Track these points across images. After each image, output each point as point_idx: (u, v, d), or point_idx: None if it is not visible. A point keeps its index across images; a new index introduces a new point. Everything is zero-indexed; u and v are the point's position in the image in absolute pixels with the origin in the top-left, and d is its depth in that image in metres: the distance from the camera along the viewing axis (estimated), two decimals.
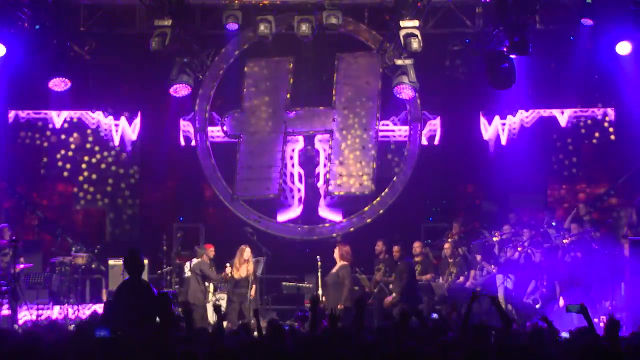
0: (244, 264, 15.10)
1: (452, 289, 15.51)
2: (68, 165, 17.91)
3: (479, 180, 17.98)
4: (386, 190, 17.78)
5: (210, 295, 15.36)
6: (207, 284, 15.25)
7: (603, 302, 15.03)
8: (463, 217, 17.43)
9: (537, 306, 14.81)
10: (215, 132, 17.88)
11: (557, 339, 8.36)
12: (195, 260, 15.49)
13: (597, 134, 17.83)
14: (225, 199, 17.81)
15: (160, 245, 17.17)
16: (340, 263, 14.81)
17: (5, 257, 15.21)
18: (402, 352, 6.99)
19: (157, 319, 8.91)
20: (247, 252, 15.21)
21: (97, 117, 17.77)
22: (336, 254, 14.89)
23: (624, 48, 15.86)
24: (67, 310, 15.38)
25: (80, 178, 17.93)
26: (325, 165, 17.86)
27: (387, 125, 17.92)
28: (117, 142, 17.78)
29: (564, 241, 15.56)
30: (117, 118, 17.74)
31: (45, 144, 17.86)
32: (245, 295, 15.00)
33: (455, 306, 11.55)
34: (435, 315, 13.84)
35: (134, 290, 9.29)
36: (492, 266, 15.52)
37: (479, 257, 15.64)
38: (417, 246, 15.84)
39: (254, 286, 15.15)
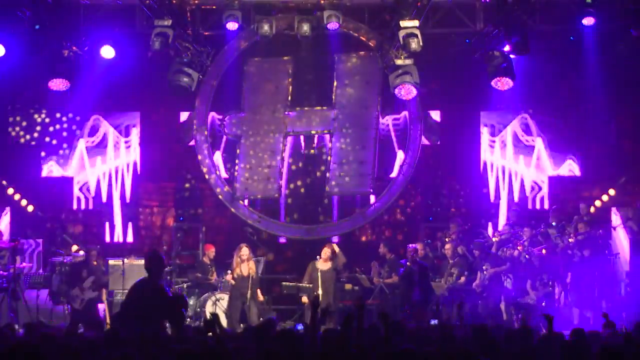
0: (242, 264, 15.11)
1: (453, 289, 15.51)
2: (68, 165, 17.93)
3: (479, 180, 17.97)
4: (386, 190, 17.77)
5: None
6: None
7: (603, 302, 15.07)
8: (463, 217, 17.40)
9: (543, 304, 14.79)
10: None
11: (551, 338, 8.35)
12: None
13: (596, 134, 17.83)
14: (225, 199, 17.80)
15: (160, 245, 17.19)
16: (329, 262, 15.22)
17: (3, 259, 15.21)
18: (399, 352, 6.99)
19: (169, 320, 8.91)
20: (243, 250, 15.21)
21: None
22: (328, 253, 15.31)
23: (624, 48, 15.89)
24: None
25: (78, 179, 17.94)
26: (325, 165, 17.84)
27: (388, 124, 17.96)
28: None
29: (570, 240, 15.55)
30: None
31: (46, 145, 17.85)
32: (243, 296, 15.00)
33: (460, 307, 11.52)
34: (435, 322, 13.90)
35: (147, 290, 9.31)
36: (496, 268, 15.48)
37: (486, 266, 15.58)
38: (420, 248, 15.93)
39: (258, 289, 15.19)
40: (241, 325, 14.69)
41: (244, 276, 15.04)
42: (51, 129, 17.88)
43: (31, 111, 17.83)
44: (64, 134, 17.93)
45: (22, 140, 17.80)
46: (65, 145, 17.90)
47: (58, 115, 17.85)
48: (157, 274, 9.53)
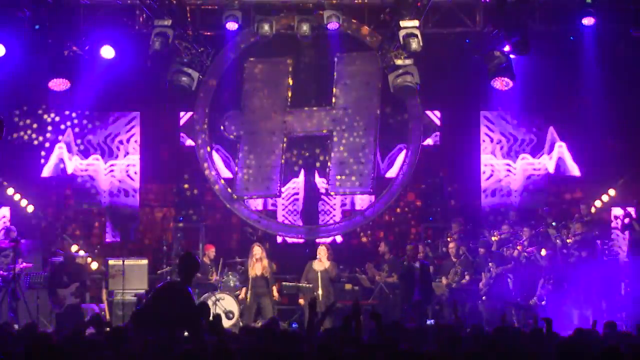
0: (257, 263, 15.17)
1: (455, 290, 15.51)
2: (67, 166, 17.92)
3: (478, 180, 17.97)
4: (386, 190, 17.78)
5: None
6: None
7: (602, 302, 15.06)
8: (463, 217, 17.41)
9: (543, 303, 14.79)
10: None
11: (555, 339, 8.36)
12: None
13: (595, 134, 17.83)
14: (225, 199, 17.81)
15: (160, 245, 17.17)
16: (327, 262, 15.20)
17: (6, 258, 15.22)
18: (398, 352, 7.01)
19: (187, 328, 8.71)
20: (255, 250, 15.30)
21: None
22: (324, 253, 15.28)
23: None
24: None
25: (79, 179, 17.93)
26: (325, 165, 17.85)
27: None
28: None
29: (568, 240, 15.56)
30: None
31: (47, 145, 17.84)
32: (260, 295, 15.12)
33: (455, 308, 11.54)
34: (432, 322, 13.91)
35: (174, 295, 8.96)
36: (500, 267, 15.48)
37: (491, 266, 15.55)
38: (420, 248, 15.97)
39: (274, 287, 15.32)
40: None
41: (259, 276, 15.17)
42: (50, 128, 17.86)
43: (36, 111, 17.82)
44: (63, 134, 17.90)
45: (21, 139, 17.78)
46: (64, 145, 17.88)
47: (57, 115, 17.82)
48: (187, 278, 9.09)
